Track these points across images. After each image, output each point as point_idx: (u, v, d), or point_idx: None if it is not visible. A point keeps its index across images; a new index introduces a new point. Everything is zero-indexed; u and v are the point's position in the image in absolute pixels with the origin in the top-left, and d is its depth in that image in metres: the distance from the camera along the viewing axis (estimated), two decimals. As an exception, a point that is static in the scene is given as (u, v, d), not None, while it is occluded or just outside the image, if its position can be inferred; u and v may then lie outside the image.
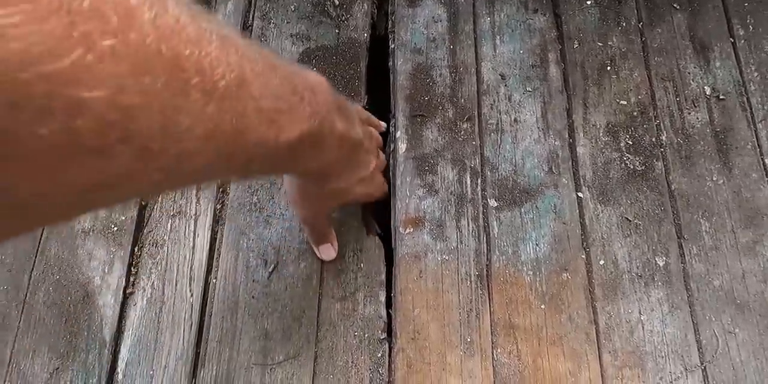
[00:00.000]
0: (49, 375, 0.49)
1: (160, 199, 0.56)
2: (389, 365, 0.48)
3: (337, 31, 0.62)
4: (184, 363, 0.49)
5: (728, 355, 0.47)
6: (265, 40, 0.61)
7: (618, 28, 0.61)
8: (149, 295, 0.52)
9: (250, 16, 0.63)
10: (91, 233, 0.54)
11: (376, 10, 0.65)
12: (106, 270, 0.53)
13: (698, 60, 0.59)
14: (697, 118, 0.57)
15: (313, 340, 0.49)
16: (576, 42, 0.60)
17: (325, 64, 0.60)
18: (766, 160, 0.54)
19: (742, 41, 0.60)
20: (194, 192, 0.56)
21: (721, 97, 0.57)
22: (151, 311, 0.51)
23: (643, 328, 0.48)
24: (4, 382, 0.49)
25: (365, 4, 0.63)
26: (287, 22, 0.62)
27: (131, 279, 0.53)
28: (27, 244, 0.53)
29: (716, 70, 0.59)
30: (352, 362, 0.49)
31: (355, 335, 0.50)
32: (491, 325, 0.49)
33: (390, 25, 0.63)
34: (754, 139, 0.55)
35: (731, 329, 0.48)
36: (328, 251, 0.51)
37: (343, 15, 0.63)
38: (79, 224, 0.55)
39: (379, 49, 0.63)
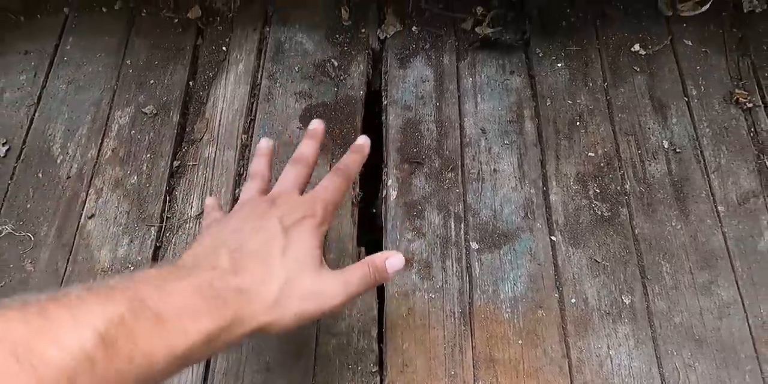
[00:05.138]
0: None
1: (172, 240, 0.60)
2: (380, 397, 0.51)
3: (335, 89, 0.68)
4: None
5: (689, 388, 0.50)
6: (272, 98, 0.67)
7: (585, 88, 0.66)
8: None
9: (259, 76, 0.69)
10: (110, 272, 0.58)
11: (371, 70, 0.71)
12: (123, 306, 0.56)
13: (657, 117, 0.64)
14: (657, 169, 0.61)
15: (311, 373, 0.53)
16: (548, 100, 0.66)
17: (325, 119, 0.66)
18: (718, 208, 0.59)
19: (696, 100, 0.65)
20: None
21: (678, 150, 0.62)
22: (163, 345, 0.54)
23: (611, 361, 0.52)
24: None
25: (361, 65, 0.70)
26: (292, 82, 0.68)
27: (146, 315, 0.56)
28: (51, 283, 0.58)
29: (673, 126, 0.64)
30: (346, 394, 0.52)
31: (349, 368, 0.53)
32: (473, 359, 0.52)
33: (383, 84, 0.69)
34: (708, 188, 0.60)
35: (691, 363, 0.51)
36: (393, 265, 0.41)
37: (341, 75, 0.69)
38: (99, 263, 0.59)
39: (375, 101, 0.69)
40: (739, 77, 0.66)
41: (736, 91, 0.65)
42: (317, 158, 0.47)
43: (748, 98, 0.64)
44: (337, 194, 0.43)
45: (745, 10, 0.69)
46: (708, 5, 0.67)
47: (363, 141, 0.48)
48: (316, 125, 0.49)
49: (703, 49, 0.68)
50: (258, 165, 0.47)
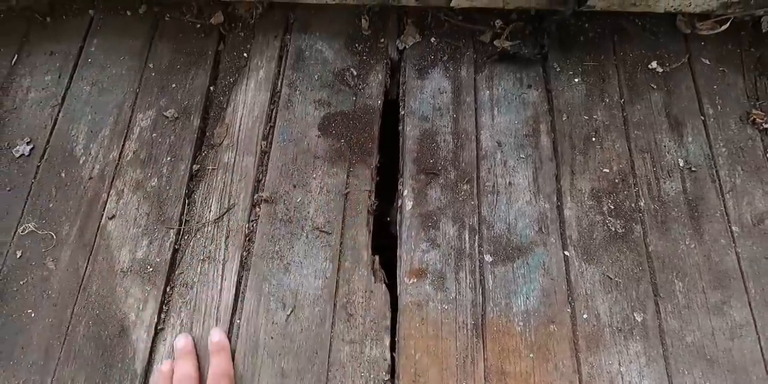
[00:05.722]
0: (84, 403, 0.52)
1: (190, 243, 0.59)
2: (392, 405, 0.50)
3: (354, 98, 0.67)
4: (206, 393, 0.51)
5: (699, 408, 0.49)
6: (292, 106, 0.66)
7: (602, 104, 0.65)
8: (178, 332, 0.55)
9: (279, 84, 0.68)
10: (129, 273, 0.57)
11: (389, 79, 0.69)
12: (141, 307, 0.56)
13: (673, 134, 0.63)
14: (672, 187, 0.60)
15: (324, 380, 0.52)
16: (565, 115, 0.64)
17: (343, 128, 0.65)
18: (733, 228, 0.57)
19: (712, 119, 0.63)
20: (223, 239, 0.59)
21: (693, 169, 0.61)
22: (180, 348, 0.53)
23: (622, 378, 0.50)
24: (43, 408, 0.51)
25: (380, 75, 0.68)
26: (311, 90, 0.67)
27: (162, 316, 0.56)
28: (71, 281, 0.57)
29: (689, 144, 0.62)
30: (358, 401, 0.51)
31: (361, 376, 0.52)
32: (485, 372, 0.51)
33: (401, 94, 0.67)
34: (723, 208, 0.58)
35: (702, 383, 0.50)
36: None
37: (359, 84, 0.68)
38: (118, 264, 0.58)
39: (391, 110, 0.67)
40: (756, 97, 0.65)
41: (753, 111, 0.63)
42: (199, 372, 0.52)
43: (765, 119, 0.62)
44: None
45: (763, 30, 0.67)
46: (727, 25, 0.65)
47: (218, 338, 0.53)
48: (184, 342, 0.54)
49: (721, 68, 0.67)
50: None
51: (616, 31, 0.69)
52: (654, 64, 0.67)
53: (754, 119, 0.62)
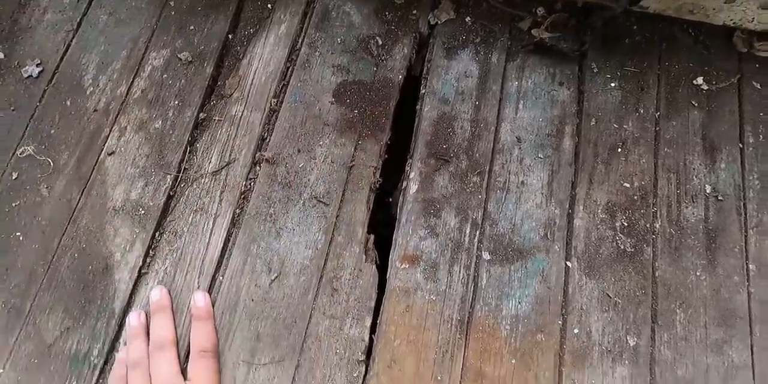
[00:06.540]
0: (60, 333, 0.48)
1: (185, 192, 0.54)
2: (361, 388, 0.46)
3: (375, 68, 0.60)
4: (180, 349, 0.47)
5: (675, 444, 0.45)
6: (309, 67, 0.59)
7: (636, 114, 0.58)
8: (160, 278, 0.51)
9: (299, 42, 0.61)
10: (120, 212, 0.53)
11: (414, 54, 0.62)
12: (127, 248, 0.51)
13: (705, 158, 0.56)
14: (693, 213, 0.54)
15: (298, 350, 0.48)
16: (593, 119, 0.58)
17: (359, 98, 0.58)
18: (749, 266, 0.51)
19: (751, 149, 0.57)
20: (218, 192, 0.54)
21: (720, 197, 0.54)
22: (158, 294, 0.49)
23: (601, 401, 0.46)
24: (20, 331, 0.48)
25: (405, 48, 0.61)
26: (332, 53, 0.60)
27: (147, 261, 0.51)
28: (63, 211, 0.53)
29: (720, 171, 0.56)
30: (329, 376, 0.47)
31: (336, 352, 0.48)
32: (462, 369, 0.47)
33: (425, 71, 0.61)
34: (743, 243, 0.52)
35: (684, 419, 0.45)
36: None
37: (383, 55, 0.61)
38: (111, 201, 0.53)
39: (411, 87, 0.61)
40: (804, 132, 0.58)
41: (796, 146, 0.56)
42: (176, 333, 0.48)
43: (808, 156, 0.56)
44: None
45: (826, 60, 0.60)
46: (789, 49, 0.58)
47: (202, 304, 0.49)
48: (160, 295, 0.49)
49: (771, 95, 0.59)
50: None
51: (665, 38, 0.61)
52: (699, 80, 0.59)
53: (796, 155, 0.56)
